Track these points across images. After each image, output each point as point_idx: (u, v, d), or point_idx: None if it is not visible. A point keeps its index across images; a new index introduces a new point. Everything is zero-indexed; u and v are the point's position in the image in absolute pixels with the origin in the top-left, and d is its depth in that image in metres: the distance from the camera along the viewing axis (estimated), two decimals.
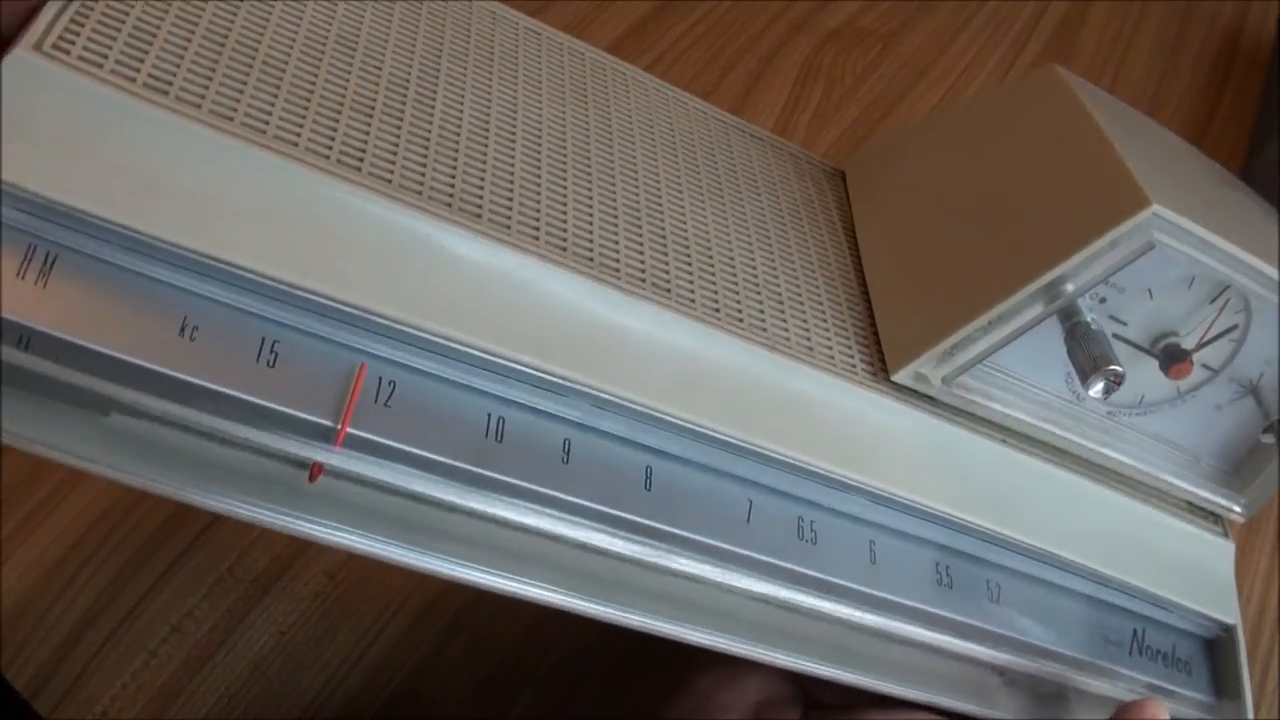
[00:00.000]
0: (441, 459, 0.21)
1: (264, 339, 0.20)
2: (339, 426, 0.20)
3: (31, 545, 0.35)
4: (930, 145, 0.33)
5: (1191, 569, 0.31)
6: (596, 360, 0.23)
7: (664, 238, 0.27)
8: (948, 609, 0.27)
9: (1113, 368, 0.25)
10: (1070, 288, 0.26)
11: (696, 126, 0.33)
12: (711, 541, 0.24)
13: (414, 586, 0.38)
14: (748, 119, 0.35)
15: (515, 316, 0.23)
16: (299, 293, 0.20)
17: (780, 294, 0.28)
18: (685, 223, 0.28)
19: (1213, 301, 0.28)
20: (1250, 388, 0.30)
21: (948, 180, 0.31)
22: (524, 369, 0.22)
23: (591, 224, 0.26)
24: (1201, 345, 0.29)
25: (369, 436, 0.21)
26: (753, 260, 0.29)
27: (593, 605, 0.23)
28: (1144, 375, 0.29)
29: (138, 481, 0.19)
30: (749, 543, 0.25)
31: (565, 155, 0.27)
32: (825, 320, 0.28)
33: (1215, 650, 0.32)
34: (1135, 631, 0.31)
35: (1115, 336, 0.28)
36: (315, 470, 0.20)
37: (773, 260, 0.29)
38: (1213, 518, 0.33)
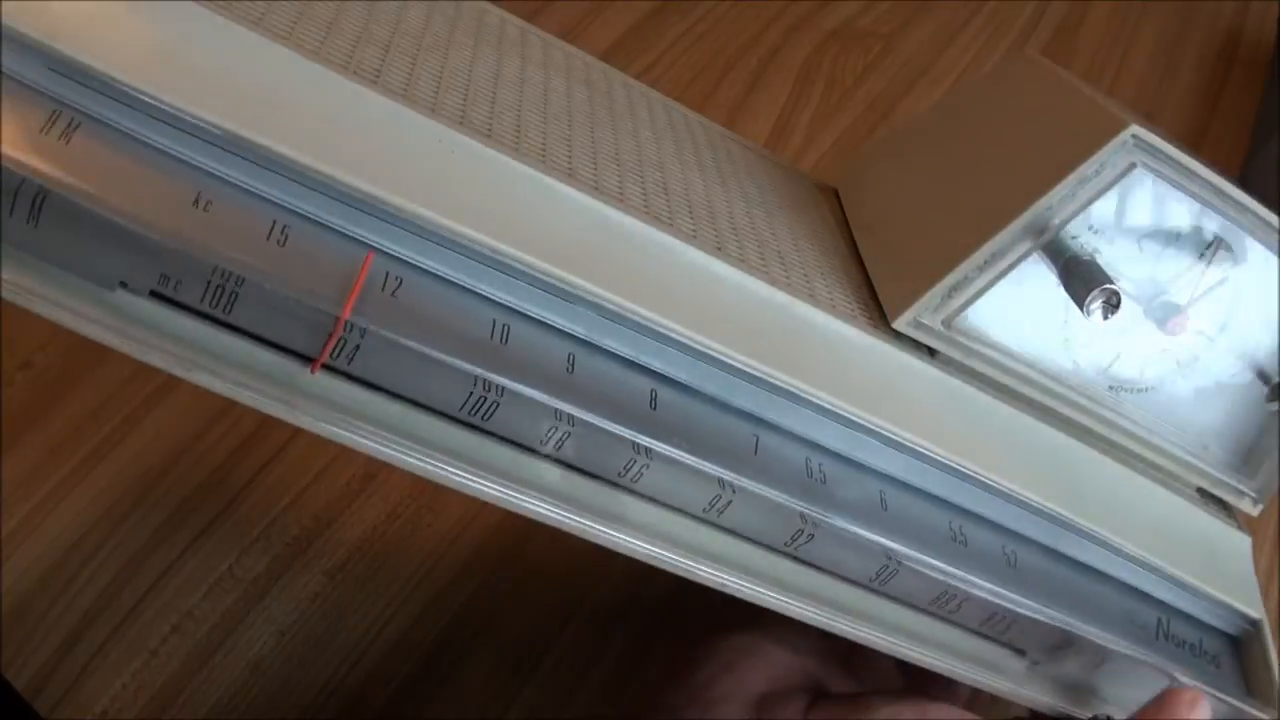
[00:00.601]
0: (442, 355, 0.21)
1: (275, 221, 0.20)
2: (344, 304, 0.20)
3: (31, 545, 0.35)
4: (913, 132, 0.34)
5: (1209, 557, 0.31)
6: (604, 270, 0.23)
7: (665, 189, 0.27)
8: (961, 568, 0.26)
9: (1108, 285, 0.25)
10: (1057, 220, 0.26)
11: (692, 126, 0.33)
12: (714, 465, 0.24)
13: (413, 587, 0.38)
14: (748, 119, 0.35)
15: (525, 221, 0.23)
16: (313, 174, 0.20)
17: (781, 251, 0.28)
18: (687, 184, 0.28)
19: (1201, 256, 0.28)
20: (1250, 360, 0.31)
21: (932, 154, 0.32)
22: (532, 271, 0.22)
23: (596, 165, 0.26)
24: (1195, 299, 0.29)
25: (371, 324, 0.21)
26: (752, 222, 0.29)
27: (587, 525, 0.23)
28: (1143, 345, 0.30)
29: (133, 348, 0.19)
30: (755, 474, 0.24)
31: (570, 112, 0.28)
32: (825, 275, 0.28)
33: (1243, 648, 0.31)
34: (1160, 620, 0.30)
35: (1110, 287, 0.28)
36: (319, 363, 0.20)
37: (772, 226, 0.29)
38: (1224, 508, 0.33)
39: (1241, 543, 0.32)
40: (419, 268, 0.21)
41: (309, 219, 0.20)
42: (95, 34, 0.19)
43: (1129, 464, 0.31)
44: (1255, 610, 0.31)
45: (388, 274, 0.21)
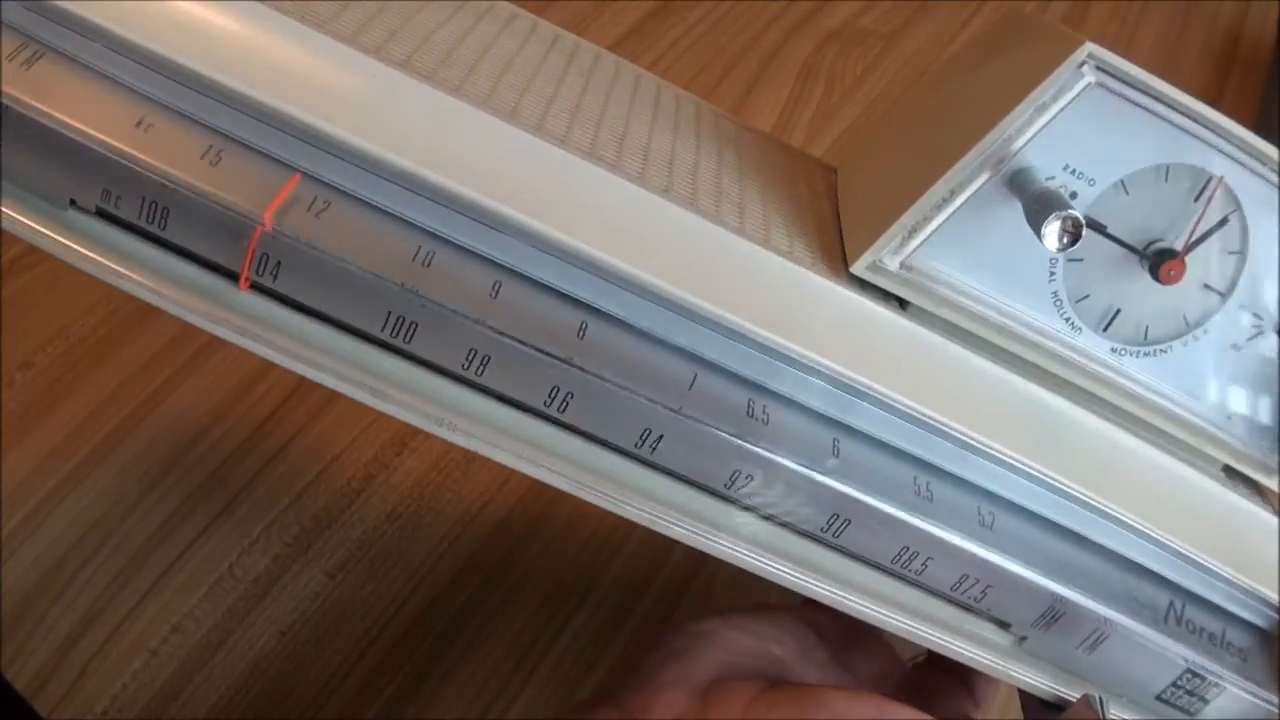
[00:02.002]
0: (361, 269, 0.22)
1: (211, 145, 0.21)
2: (264, 213, 0.21)
3: (31, 545, 0.35)
4: (904, 99, 0.33)
5: (1235, 539, 0.28)
6: (532, 199, 0.23)
7: (621, 139, 0.27)
8: (926, 519, 0.25)
9: (1068, 211, 0.24)
10: (1017, 145, 0.25)
11: (682, 101, 0.32)
12: (643, 396, 0.23)
13: (413, 588, 0.38)
14: (748, 118, 0.35)
15: (451, 149, 0.23)
16: (248, 101, 0.21)
17: (742, 204, 0.27)
18: (650, 138, 0.28)
19: (1197, 199, 0.26)
20: (1268, 318, 0.28)
21: (912, 113, 0.31)
22: (455, 196, 0.22)
23: (545, 112, 0.26)
24: (1192, 244, 0.26)
25: (290, 236, 0.21)
26: (718, 179, 0.28)
27: (505, 453, 0.23)
28: (1143, 300, 0.27)
29: (80, 260, 0.21)
30: (690, 407, 0.23)
31: (537, 72, 0.27)
32: (789, 230, 0.27)
33: (1275, 642, 0.28)
34: (1172, 604, 0.28)
35: (1096, 227, 0.26)
36: (243, 276, 0.22)
37: (741, 185, 0.28)
38: (1256, 489, 0.30)
39: (1269, 523, 0.30)
40: (348, 194, 0.22)
41: (243, 143, 0.22)
42: None
43: (1146, 438, 0.28)
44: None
45: (316, 197, 0.22)
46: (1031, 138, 0.25)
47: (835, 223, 0.29)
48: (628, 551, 0.40)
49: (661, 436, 0.23)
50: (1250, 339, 0.28)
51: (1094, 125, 0.25)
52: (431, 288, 0.22)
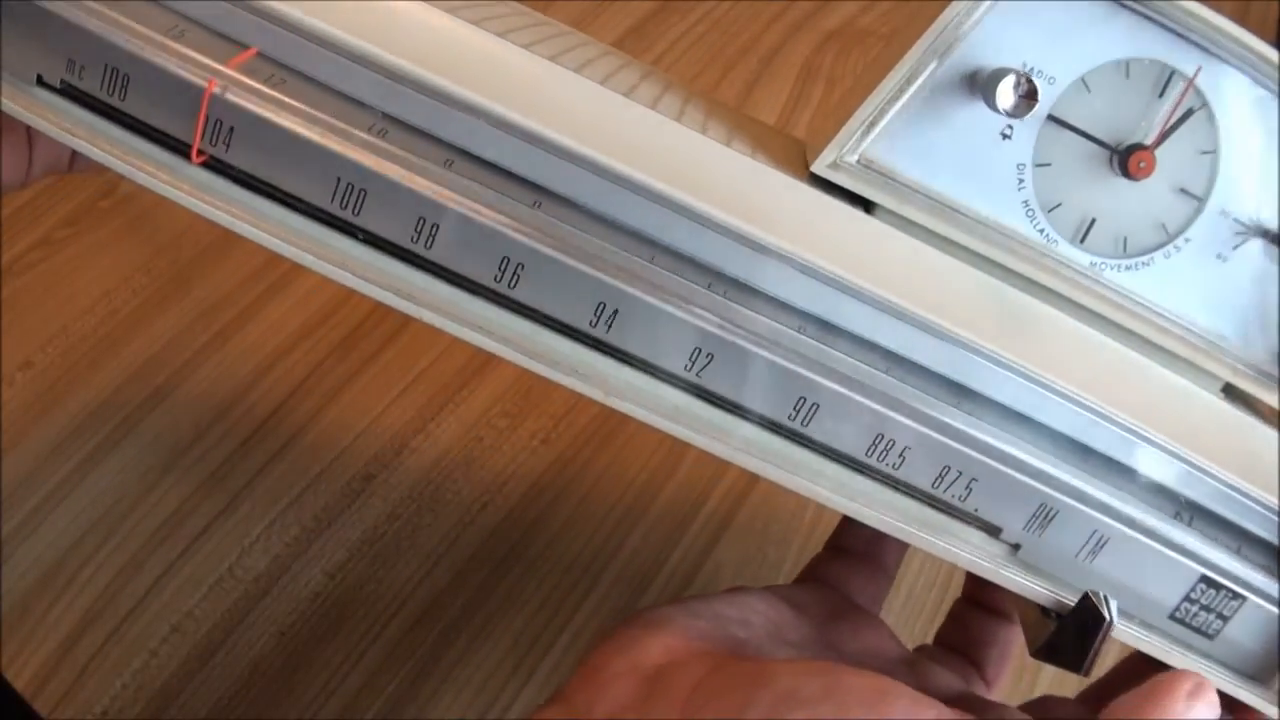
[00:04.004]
0: (309, 136, 0.22)
1: (175, 24, 0.22)
2: (221, 66, 0.22)
3: (31, 545, 0.35)
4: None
5: (1241, 452, 0.26)
6: (482, 78, 0.23)
7: (588, 61, 0.27)
8: (905, 397, 0.23)
9: (1023, 71, 0.23)
10: (965, 27, 0.24)
11: (656, 72, 0.33)
12: (599, 273, 0.23)
13: (413, 588, 0.38)
14: None
15: (408, 34, 0.23)
16: None
17: (705, 121, 0.27)
18: (613, 70, 0.28)
19: (1161, 95, 0.25)
20: (1252, 223, 0.27)
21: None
22: (407, 75, 0.22)
23: (507, 30, 0.26)
24: (1162, 137, 0.25)
25: (240, 100, 0.22)
26: (681, 105, 0.28)
27: (453, 326, 0.23)
28: (1117, 206, 0.26)
29: (49, 128, 0.22)
30: (646, 287, 0.23)
31: (519, 11, 0.28)
32: (751, 145, 0.27)
33: None
34: (1179, 515, 0.26)
35: (1060, 124, 0.26)
36: (195, 147, 0.22)
37: (706, 117, 0.28)
38: (1256, 409, 0.28)
39: (1274, 439, 0.28)
40: (305, 75, 0.22)
41: (204, 25, 0.22)
42: None
43: (1141, 350, 0.27)
44: None
45: (273, 74, 0.22)
46: (979, 18, 0.24)
47: (801, 151, 0.28)
48: (629, 551, 0.40)
49: (616, 311, 0.23)
50: (1236, 247, 0.27)
51: (1046, 17, 0.24)
52: (384, 158, 0.22)
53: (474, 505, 0.40)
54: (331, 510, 0.38)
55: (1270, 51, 0.25)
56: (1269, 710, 0.26)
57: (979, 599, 0.31)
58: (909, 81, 0.24)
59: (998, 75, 0.24)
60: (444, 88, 0.22)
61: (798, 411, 0.23)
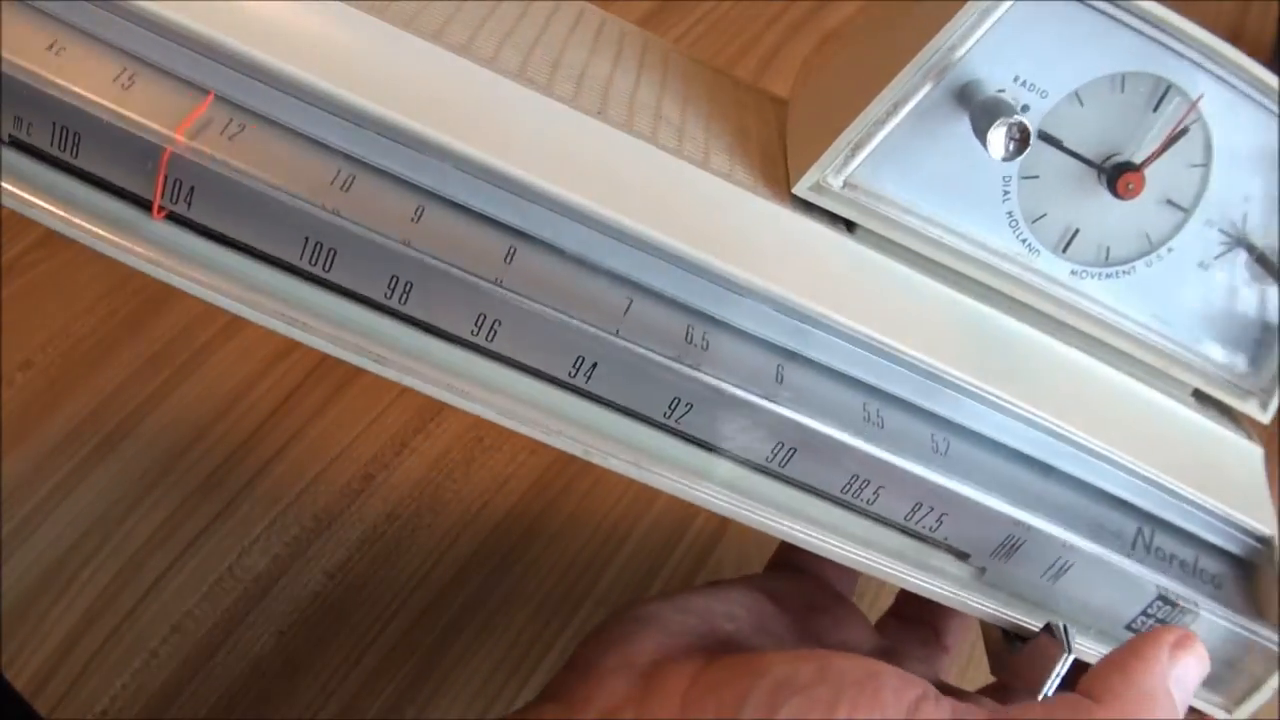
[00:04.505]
0: (280, 194, 0.21)
1: (125, 69, 0.21)
2: (176, 132, 0.21)
3: (31, 545, 0.35)
4: (848, 34, 0.32)
5: (1207, 464, 0.27)
6: (454, 120, 0.22)
7: (555, 64, 0.26)
8: (873, 444, 0.23)
9: (1014, 117, 0.23)
10: (960, 52, 0.24)
11: (628, 33, 0.31)
12: (575, 321, 0.22)
13: (413, 588, 0.38)
14: None
15: (370, 70, 0.22)
16: (157, 20, 0.21)
17: (682, 128, 0.26)
18: (586, 65, 0.27)
19: (1155, 109, 0.25)
20: (1236, 235, 0.27)
21: (859, 43, 0.30)
22: (374, 118, 0.22)
23: (473, 34, 0.25)
24: (1153, 157, 0.25)
25: (202, 159, 0.21)
26: (659, 105, 0.27)
27: (432, 387, 0.22)
28: (1103, 218, 0.26)
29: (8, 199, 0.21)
30: (626, 332, 0.22)
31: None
32: (730, 154, 0.26)
33: (1250, 570, 0.27)
34: (1141, 531, 0.27)
35: (1050, 141, 0.25)
36: (156, 204, 0.21)
37: (682, 112, 0.27)
38: (1230, 416, 0.29)
39: (1250, 452, 0.29)
40: (264, 117, 0.21)
41: (156, 66, 0.21)
42: None
43: (1111, 363, 0.27)
44: (1267, 526, 0.27)
45: (231, 120, 0.21)
46: (974, 44, 0.23)
47: (782, 152, 0.27)
48: (628, 551, 0.40)
49: (595, 364, 0.22)
50: (1218, 256, 0.27)
51: (1042, 32, 0.24)
52: (351, 211, 0.21)
53: (474, 505, 0.40)
54: (331, 510, 0.38)
55: (1268, 75, 0.25)
56: (1219, 714, 0.27)
57: None
58: (898, 106, 0.24)
59: (989, 114, 0.23)
60: (409, 128, 0.22)
61: (775, 455, 0.24)
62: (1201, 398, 0.29)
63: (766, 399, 0.23)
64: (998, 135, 0.23)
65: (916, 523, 0.25)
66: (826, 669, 0.23)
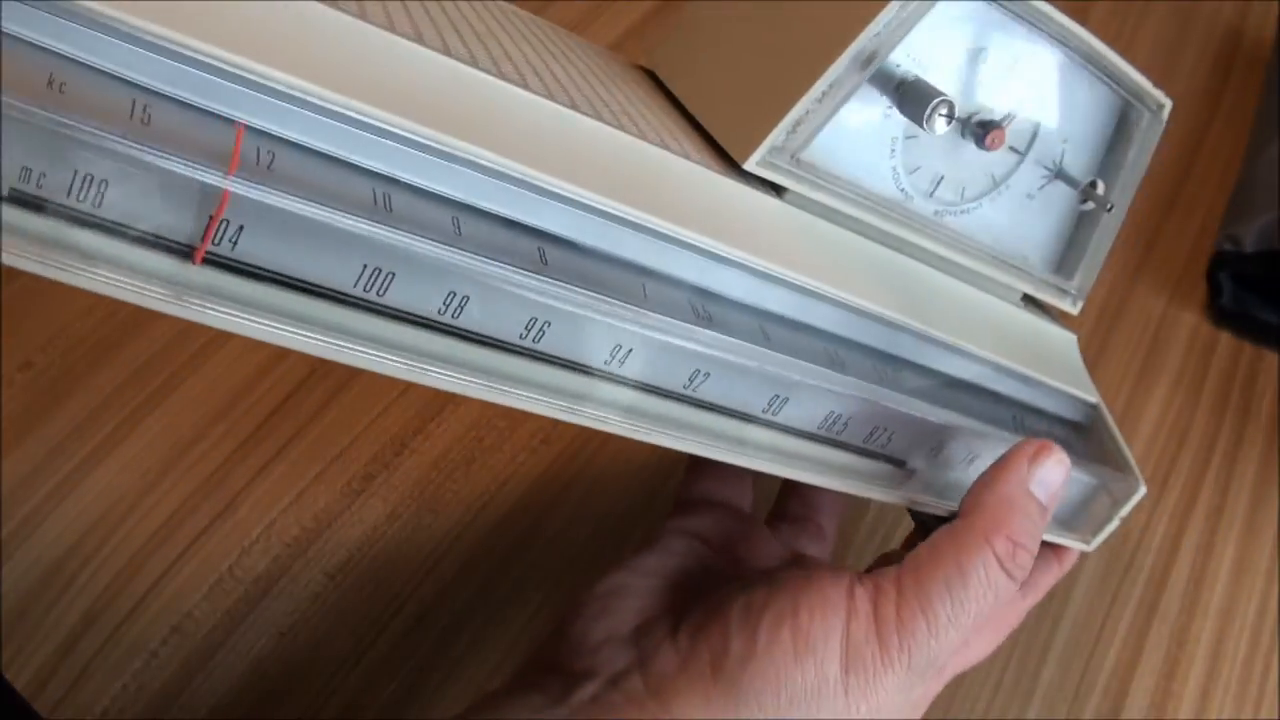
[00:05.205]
0: (333, 219, 0.20)
1: (135, 100, 0.19)
2: (226, 170, 0.19)
3: (31, 545, 0.35)
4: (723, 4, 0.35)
5: (1044, 354, 0.34)
6: (473, 127, 0.22)
7: (509, 57, 0.27)
8: (842, 385, 0.28)
9: (943, 98, 0.28)
10: (884, 47, 0.28)
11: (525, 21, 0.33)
12: (611, 314, 0.23)
13: (413, 588, 0.38)
14: None
15: (386, 83, 0.22)
16: (169, 46, 0.19)
17: (631, 113, 0.29)
18: (525, 56, 0.28)
19: (1009, 70, 0.31)
20: (1055, 169, 0.33)
21: (750, 10, 0.32)
22: (404, 134, 0.21)
23: (440, 32, 0.26)
24: (1011, 113, 0.31)
25: (256, 193, 0.19)
26: (596, 89, 0.29)
27: (496, 388, 0.23)
28: (963, 167, 0.32)
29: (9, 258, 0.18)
30: (647, 314, 0.24)
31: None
32: (672, 130, 0.29)
33: (1088, 430, 0.33)
34: (1015, 416, 0.32)
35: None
36: (202, 248, 0.19)
37: (614, 92, 0.30)
38: (1047, 312, 0.36)
39: (1068, 339, 0.36)
40: (290, 142, 0.20)
41: (167, 97, 0.19)
42: None
43: (967, 279, 0.33)
44: (1092, 395, 0.35)
45: (259, 149, 0.20)
46: (898, 40, 0.27)
47: (688, 119, 0.31)
48: (629, 551, 0.40)
49: (630, 351, 0.24)
50: (1041, 188, 0.33)
51: (934, 18, 0.28)
52: (403, 233, 0.21)
53: (474, 505, 0.40)
54: (331, 510, 0.38)
55: (1096, 42, 0.31)
56: (1080, 545, 0.34)
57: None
58: (835, 88, 0.28)
59: (921, 99, 0.28)
60: (432, 137, 0.21)
61: (770, 405, 0.27)
62: (1029, 300, 0.35)
63: (762, 360, 0.26)
64: (940, 118, 0.28)
65: (873, 443, 0.29)
66: (774, 584, 0.28)
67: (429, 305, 0.22)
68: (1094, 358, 0.51)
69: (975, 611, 0.27)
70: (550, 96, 0.26)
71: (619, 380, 0.25)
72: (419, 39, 0.24)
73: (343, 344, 0.21)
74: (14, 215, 0.18)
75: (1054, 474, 0.28)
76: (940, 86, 0.29)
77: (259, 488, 0.38)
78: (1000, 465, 0.28)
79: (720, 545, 0.33)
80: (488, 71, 0.25)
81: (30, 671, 0.33)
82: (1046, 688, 0.40)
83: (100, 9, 0.18)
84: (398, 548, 0.38)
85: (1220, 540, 0.46)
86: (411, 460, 0.40)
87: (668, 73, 0.34)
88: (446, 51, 0.25)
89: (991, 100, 0.31)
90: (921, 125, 0.28)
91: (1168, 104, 0.33)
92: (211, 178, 0.19)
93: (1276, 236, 0.53)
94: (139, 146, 0.18)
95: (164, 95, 0.19)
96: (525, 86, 0.25)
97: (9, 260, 0.18)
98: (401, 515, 0.39)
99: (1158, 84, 0.33)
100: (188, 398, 0.39)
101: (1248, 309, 0.54)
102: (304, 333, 0.21)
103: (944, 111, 0.28)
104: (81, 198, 0.18)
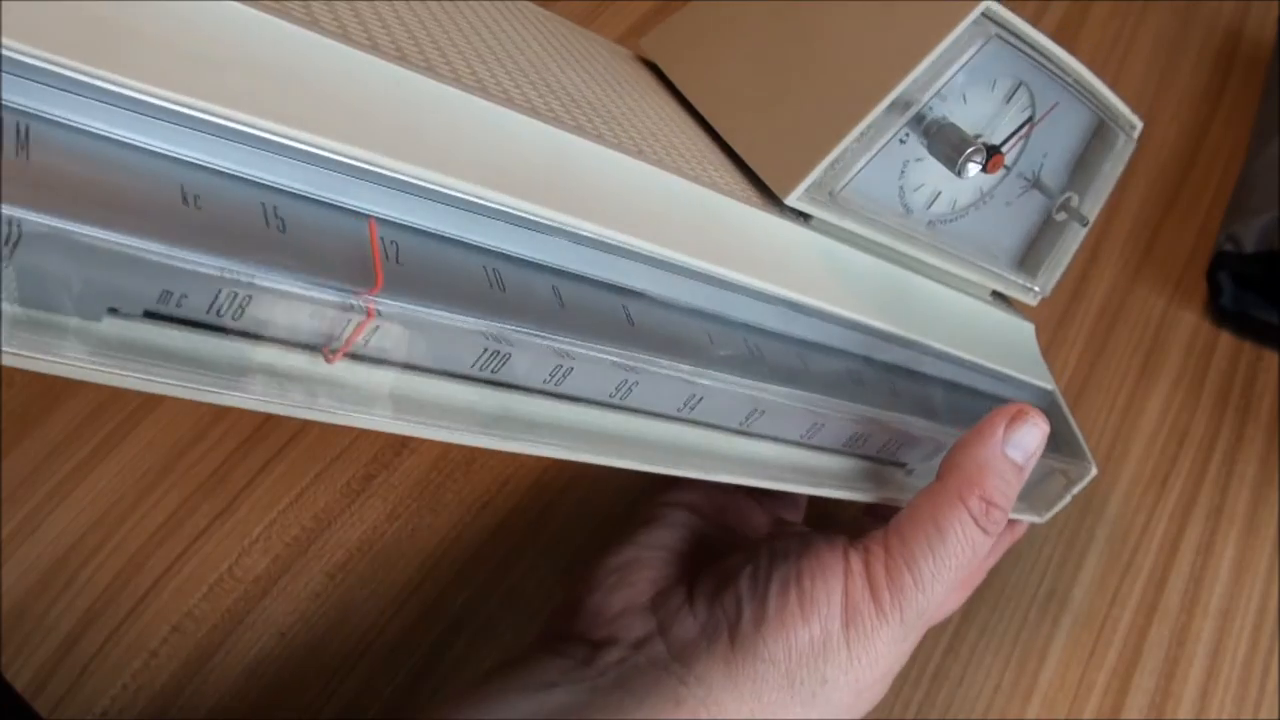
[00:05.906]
0: (460, 316, 0.20)
1: (264, 204, 0.18)
2: (373, 279, 0.18)
3: (31, 545, 0.35)
4: (744, 9, 0.36)
5: (1007, 346, 0.37)
6: (569, 196, 0.23)
7: (545, 83, 0.27)
8: (830, 396, 0.29)
9: (982, 143, 0.30)
10: (924, 94, 0.29)
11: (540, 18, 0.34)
12: (681, 368, 0.25)
13: (413, 587, 0.38)
14: None
15: (490, 157, 0.22)
16: (296, 145, 0.18)
17: (671, 143, 0.30)
18: (568, 81, 0.29)
19: (1009, 100, 0.32)
20: (1033, 180, 0.35)
21: (779, 31, 0.34)
22: (511, 209, 0.21)
23: (491, 70, 0.25)
24: (1007, 140, 0.33)
25: (397, 299, 0.19)
26: (638, 117, 0.30)
27: (604, 457, 0.24)
28: (958, 183, 0.33)
29: (139, 382, 0.17)
30: (753, 371, 0.26)
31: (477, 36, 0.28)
32: (706, 160, 0.30)
33: (1047, 416, 0.35)
34: (987, 409, 0.34)
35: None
36: (342, 350, 0.19)
37: (650, 118, 0.31)
38: (1010, 305, 0.39)
39: (1027, 330, 0.39)
40: (410, 228, 0.20)
41: (293, 194, 0.19)
42: (31, 16, 0.15)
43: (944, 281, 0.35)
44: (1048, 383, 0.37)
45: (384, 240, 0.19)
46: (937, 90, 0.29)
47: (715, 140, 0.33)
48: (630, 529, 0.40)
49: (701, 399, 0.25)
50: (1019, 195, 0.36)
51: (971, 70, 0.30)
52: (513, 313, 0.21)
53: (474, 505, 0.40)
54: (331, 510, 0.38)
55: (1081, 68, 0.33)
56: (1034, 519, 0.36)
57: None
58: (873, 131, 0.29)
59: (957, 146, 0.30)
60: (535, 211, 0.21)
61: (748, 418, 0.28)
62: (997, 295, 0.38)
63: (752, 376, 0.27)
64: (975, 165, 0.30)
65: (885, 453, 0.32)
66: (775, 553, 0.30)
67: (536, 378, 0.22)
68: (1094, 358, 0.51)
69: (956, 565, 0.29)
70: (619, 146, 0.26)
71: (691, 422, 0.26)
72: (507, 97, 0.24)
73: (462, 429, 0.21)
74: (136, 330, 0.17)
75: (1030, 436, 0.30)
76: (949, 111, 0.30)
77: (259, 488, 0.38)
78: (977, 429, 0.30)
79: (712, 515, 0.36)
80: (560, 125, 0.25)
81: (30, 671, 0.33)
82: (1046, 688, 0.40)
83: (234, 115, 0.17)
84: (398, 548, 0.38)
85: (1220, 540, 0.46)
86: (411, 460, 0.40)
87: (679, 76, 0.35)
88: (526, 109, 0.24)
89: (995, 123, 0.32)
90: (954, 170, 0.30)
91: (1139, 125, 0.35)
92: (360, 300, 0.18)
93: (1276, 236, 0.53)
94: (286, 279, 0.17)
95: (287, 191, 0.19)
96: (600, 139, 0.26)
97: (152, 389, 0.17)
98: (401, 515, 0.39)
99: (1147, 98, 0.35)
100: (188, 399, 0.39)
101: (1248, 309, 0.54)
102: (439, 424, 0.21)
103: (979, 160, 0.30)
104: (222, 313, 0.17)
